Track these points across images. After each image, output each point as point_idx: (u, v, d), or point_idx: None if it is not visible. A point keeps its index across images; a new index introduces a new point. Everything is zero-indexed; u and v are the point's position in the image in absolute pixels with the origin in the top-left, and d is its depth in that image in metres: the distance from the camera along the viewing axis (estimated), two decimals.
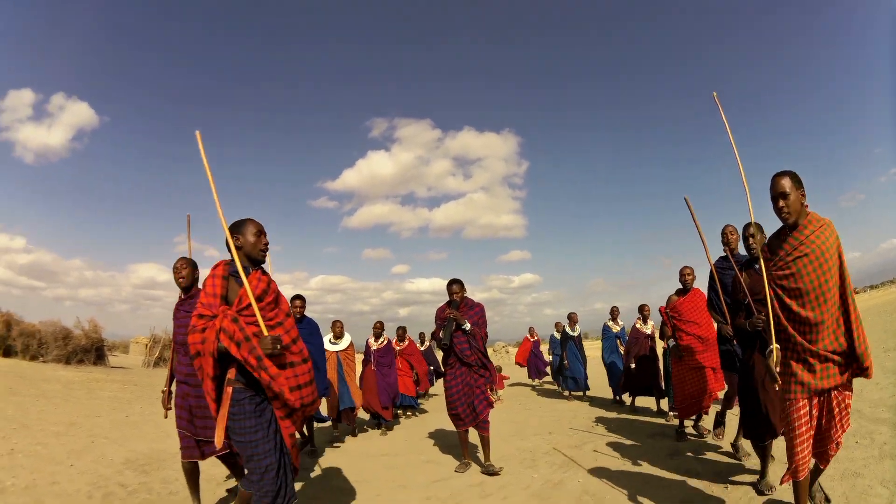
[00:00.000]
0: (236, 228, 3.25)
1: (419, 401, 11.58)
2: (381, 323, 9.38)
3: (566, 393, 12.11)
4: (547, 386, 15.15)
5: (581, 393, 11.90)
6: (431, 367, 12.14)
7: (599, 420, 8.36)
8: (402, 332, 10.72)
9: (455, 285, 5.56)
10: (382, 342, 9.18)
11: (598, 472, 5.11)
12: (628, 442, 6.46)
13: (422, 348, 12.39)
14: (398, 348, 10.33)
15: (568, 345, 11.95)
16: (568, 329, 12.14)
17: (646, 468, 5.15)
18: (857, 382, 6.44)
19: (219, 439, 2.95)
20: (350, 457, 6.54)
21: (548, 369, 15.74)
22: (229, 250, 3.15)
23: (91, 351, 17.53)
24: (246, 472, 3.05)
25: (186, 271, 4.39)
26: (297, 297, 6.44)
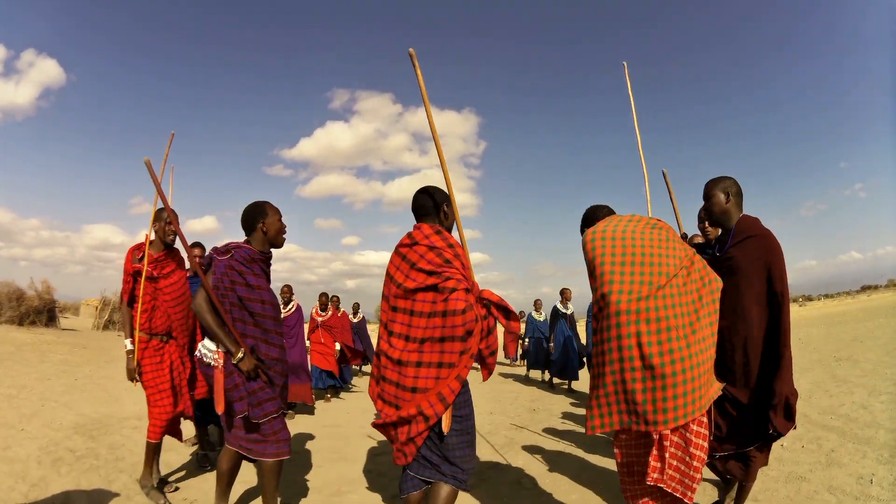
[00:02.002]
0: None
1: (353, 379, 11.06)
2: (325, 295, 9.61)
3: (548, 379, 11.51)
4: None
5: (566, 383, 10.77)
6: (362, 350, 10.62)
7: (540, 403, 8.67)
8: (324, 300, 9.72)
9: None
10: (291, 308, 8.49)
11: (537, 456, 5.35)
12: (568, 427, 6.75)
13: (354, 321, 11.60)
14: (319, 319, 9.55)
15: (558, 324, 10.77)
16: (560, 306, 10.92)
17: (584, 454, 5.35)
18: (805, 389, 7.06)
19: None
20: (292, 426, 6.91)
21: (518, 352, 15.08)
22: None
23: (43, 312, 17.50)
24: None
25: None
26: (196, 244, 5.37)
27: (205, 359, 3.30)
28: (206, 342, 3.33)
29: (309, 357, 9.03)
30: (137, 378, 4.12)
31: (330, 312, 9.57)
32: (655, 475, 2.60)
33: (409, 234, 2.99)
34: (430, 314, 2.77)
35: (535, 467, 5.01)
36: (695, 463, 2.58)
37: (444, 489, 2.85)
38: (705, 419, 2.66)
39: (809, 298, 48.04)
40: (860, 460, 4.34)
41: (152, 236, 4.25)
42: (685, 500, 2.60)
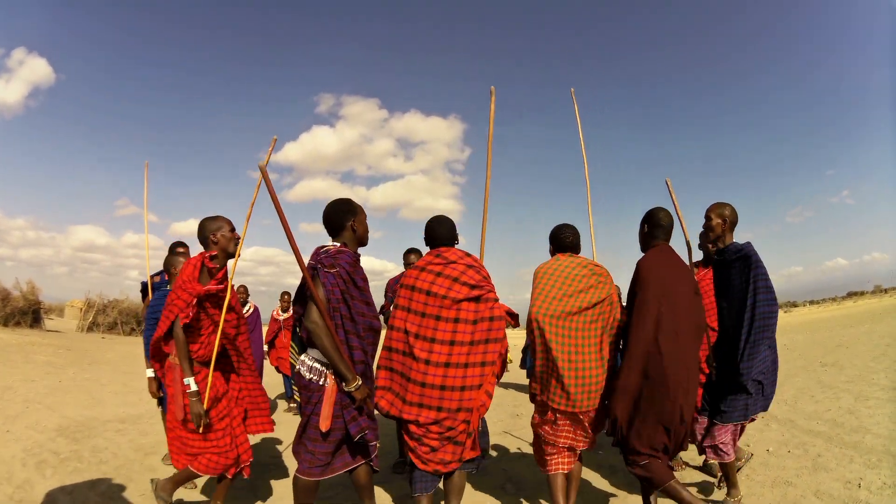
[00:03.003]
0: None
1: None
2: (288, 294, 8.62)
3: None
4: None
5: None
6: None
7: (523, 408, 8.58)
8: (287, 300, 8.64)
9: (413, 255, 5.20)
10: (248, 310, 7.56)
11: (522, 461, 5.32)
12: None
13: None
14: (282, 319, 8.57)
15: None
16: None
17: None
18: (791, 394, 7.10)
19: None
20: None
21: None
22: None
23: (28, 313, 17.37)
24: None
25: None
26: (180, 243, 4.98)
27: (309, 373, 3.16)
28: (315, 353, 3.19)
29: (267, 361, 8.24)
30: (205, 420, 3.39)
31: (291, 312, 8.68)
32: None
33: (439, 255, 3.38)
34: (475, 321, 3.19)
35: (519, 472, 4.98)
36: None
37: (458, 476, 3.34)
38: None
39: (794, 305, 48.23)
40: (847, 465, 4.35)
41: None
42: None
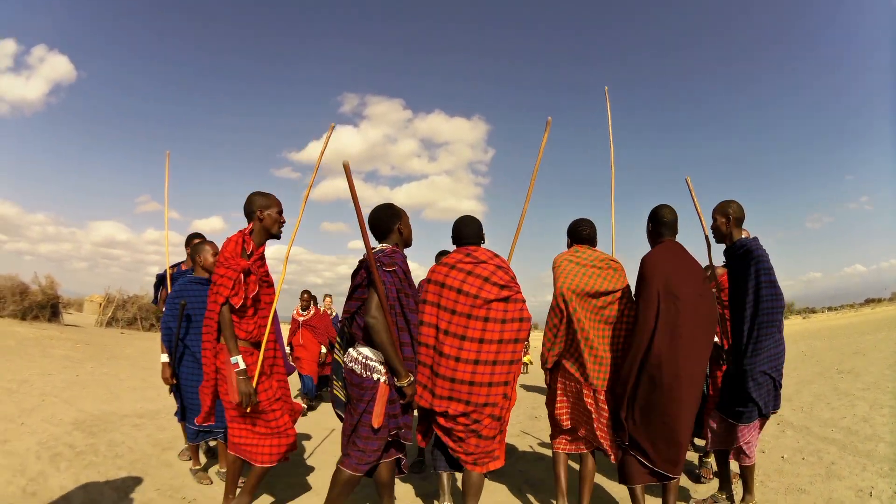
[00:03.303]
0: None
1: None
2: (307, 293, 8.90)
3: None
4: None
5: None
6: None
7: (542, 410, 8.28)
8: (307, 299, 8.93)
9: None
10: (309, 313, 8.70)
11: (539, 463, 5.38)
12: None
13: (332, 316, 10.14)
14: (301, 319, 8.77)
15: None
16: None
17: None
18: (807, 401, 7.05)
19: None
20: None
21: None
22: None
23: (46, 307, 17.61)
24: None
25: None
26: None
27: (364, 370, 3.22)
28: (367, 350, 3.25)
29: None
30: (254, 399, 3.41)
31: (312, 311, 8.96)
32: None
33: (469, 254, 3.56)
34: (504, 320, 3.39)
35: (537, 474, 5.01)
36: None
37: (478, 476, 3.46)
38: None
39: (813, 311, 47.73)
40: (860, 473, 4.32)
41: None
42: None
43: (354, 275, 3.39)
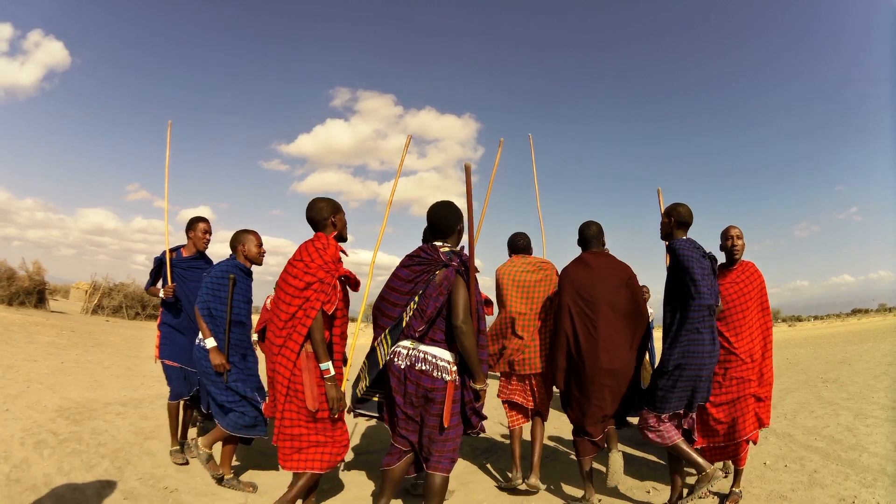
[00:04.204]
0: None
1: None
2: None
3: None
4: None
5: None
6: None
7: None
8: None
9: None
10: None
11: (522, 462, 5.12)
12: (553, 432, 6.52)
13: None
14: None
15: None
16: None
17: (569, 462, 5.37)
18: (790, 409, 7.10)
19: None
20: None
21: None
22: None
23: (33, 294, 17.50)
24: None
25: None
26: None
27: (436, 371, 3.22)
28: (436, 350, 3.26)
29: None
30: (344, 403, 3.47)
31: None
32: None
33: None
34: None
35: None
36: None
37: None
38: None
39: (799, 319, 47.97)
40: (842, 482, 4.34)
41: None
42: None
43: (424, 271, 3.32)
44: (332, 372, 3.32)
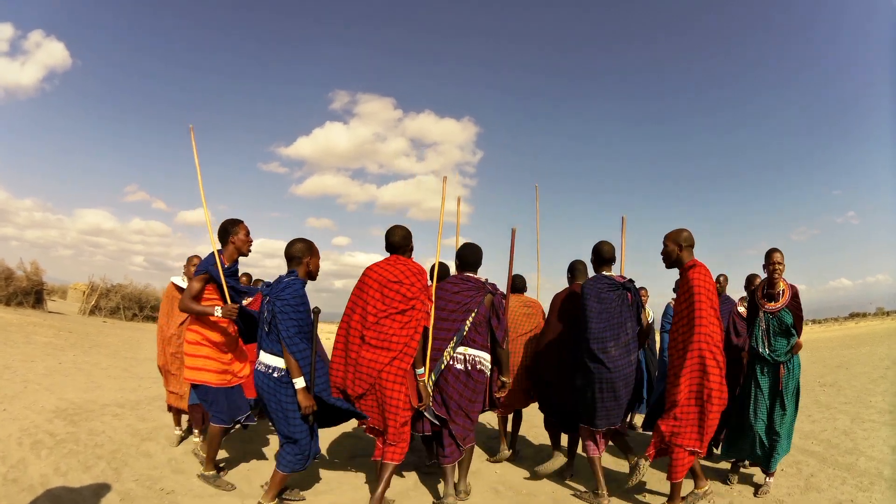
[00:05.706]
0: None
1: None
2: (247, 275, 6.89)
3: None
4: None
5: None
6: None
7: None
8: (247, 283, 6.94)
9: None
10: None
11: (516, 464, 5.30)
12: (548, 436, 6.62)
13: None
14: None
15: None
16: None
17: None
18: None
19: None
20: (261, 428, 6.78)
21: None
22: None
23: (31, 294, 17.45)
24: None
25: None
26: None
27: (478, 366, 4.14)
28: (483, 353, 4.16)
29: None
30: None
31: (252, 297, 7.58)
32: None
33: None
34: None
35: (513, 476, 4.98)
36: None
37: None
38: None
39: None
40: (839, 486, 4.35)
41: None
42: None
43: (476, 295, 4.17)
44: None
